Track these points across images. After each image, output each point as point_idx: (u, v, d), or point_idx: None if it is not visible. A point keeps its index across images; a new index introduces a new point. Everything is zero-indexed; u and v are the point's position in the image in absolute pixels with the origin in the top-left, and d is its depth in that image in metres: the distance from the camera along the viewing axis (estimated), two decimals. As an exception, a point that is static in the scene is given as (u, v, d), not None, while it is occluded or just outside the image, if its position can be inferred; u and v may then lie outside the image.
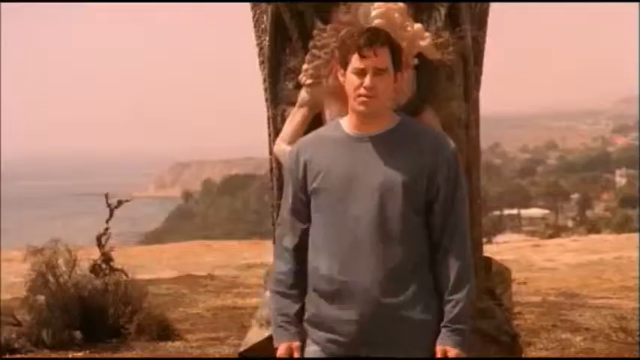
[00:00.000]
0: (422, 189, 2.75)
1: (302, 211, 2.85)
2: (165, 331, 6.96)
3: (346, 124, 2.84)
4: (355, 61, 2.73)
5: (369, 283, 2.72)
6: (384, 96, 2.75)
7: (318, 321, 2.81)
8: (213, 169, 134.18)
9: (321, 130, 3.01)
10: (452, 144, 2.84)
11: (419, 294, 2.75)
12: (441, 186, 2.76)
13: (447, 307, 2.75)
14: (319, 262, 2.79)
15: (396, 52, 2.77)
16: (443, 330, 2.75)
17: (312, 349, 2.85)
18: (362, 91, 2.72)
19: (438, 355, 2.74)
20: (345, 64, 2.77)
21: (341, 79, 2.82)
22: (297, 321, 2.86)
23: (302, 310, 2.87)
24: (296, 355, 2.83)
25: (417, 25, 3.71)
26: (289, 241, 2.88)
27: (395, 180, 2.72)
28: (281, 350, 2.84)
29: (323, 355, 2.82)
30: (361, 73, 2.72)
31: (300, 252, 2.86)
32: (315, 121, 3.87)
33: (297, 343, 2.84)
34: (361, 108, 2.74)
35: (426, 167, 2.75)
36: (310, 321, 2.86)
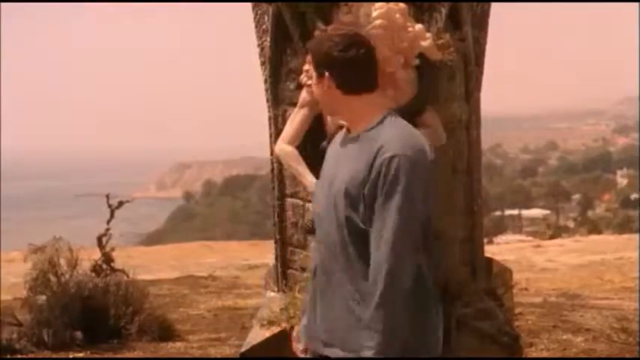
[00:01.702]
0: (359, 194, 2.62)
1: None
2: (167, 332, 6.96)
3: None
4: None
5: (327, 282, 2.72)
6: (322, 101, 2.79)
7: (302, 320, 2.87)
8: (214, 170, 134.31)
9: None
10: (400, 151, 2.57)
11: (390, 296, 2.56)
12: (372, 192, 2.59)
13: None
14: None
15: (315, 58, 2.76)
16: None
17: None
18: None
19: None
20: None
21: None
22: None
23: None
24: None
25: (419, 26, 3.71)
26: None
27: (344, 183, 2.66)
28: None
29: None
30: None
31: None
32: (315, 122, 3.87)
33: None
34: None
35: (361, 172, 2.62)
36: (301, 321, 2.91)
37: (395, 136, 2.64)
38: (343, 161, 2.71)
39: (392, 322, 2.52)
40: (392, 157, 2.55)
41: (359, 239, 2.62)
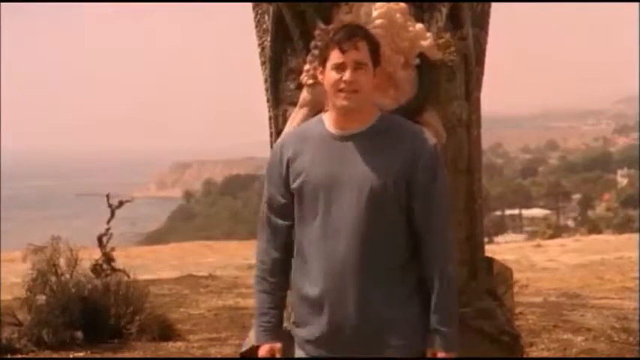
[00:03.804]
0: (403, 186, 2.70)
1: (283, 209, 2.81)
2: (167, 332, 6.96)
3: (328, 121, 2.80)
4: (335, 56, 2.70)
5: (351, 283, 2.68)
6: (365, 91, 2.71)
7: (302, 323, 2.80)
8: (214, 170, 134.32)
9: (303, 127, 2.97)
10: (432, 138, 2.82)
11: (401, 293, 2.72)
12: (421, 180, 2.71)
13: (433, 310, 2.72)
14: (303, 263, 2.77)
15: (374, 47, 2.74)
16: (431, 333, 2.72)
17: (298, 354, 2.84)
18: (342, 85, 2.68)
19: (429, 356, 2.72)
20: (323, 61, 2.75)
21: (319, 77, 2.79)
22: (278, 319, 2.85)
23: (282, 306, 2.87)
24: (277, 356, 2.82)
25: (419, 25, 3.71)
26: (269, 238, 2.84)
27: (378, 178, 2.68)
28: (263, 352, 2.83)
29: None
30: (341, 67, 2.69)
31: (280, 249, 2.83)
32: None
33: (278, 345, 2.83)
34: (344, 103, 2.70)
35: (407, 162, 2.70)
36: (295, 323, 2.84)
37: (416, 127, 2.83)
38: (362, 157, 2.70)
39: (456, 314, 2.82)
40: (436, 144, 2.77)
41: (396, 230, 2.71)
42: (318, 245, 2.72)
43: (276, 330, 2.83)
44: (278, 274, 2.84)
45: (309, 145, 2.78)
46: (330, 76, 2.72)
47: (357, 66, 2.69)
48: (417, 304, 2.75)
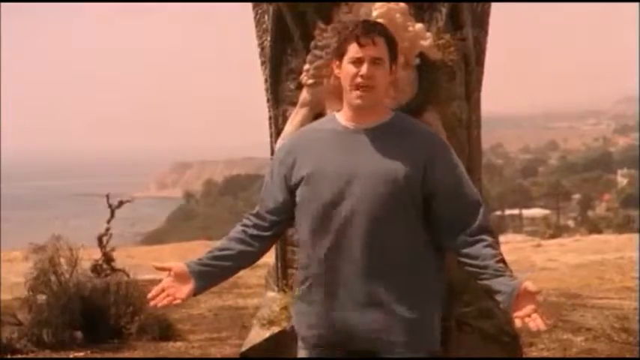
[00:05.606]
0: (418, 181, 2.70)
1: (278, 203, 2.83)
2: (167, 332, 6.96)
3: (341, 117, 2.80)
4: (352, 51, 2.70)
5: (360, 277, 2.67)
6: (381, 87, 2.72)
7: (307, 319, 2.78)
8: (214, 170, 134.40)
9: (313, 125, 2.97)
10: (443, 138, 2.93)
11: (412, 290, 2.70)
12: (444, 177, 2.74)
13: (497, 259, 2.74)
14: (307, 256, 2.76)
15: (391, 44, 2.76)
16: (512, 281, 2.74)
17: (302, 352, 2.83)
18: (359, 80, 2.69)
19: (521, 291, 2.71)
20: (341, 55, 2.74)
21: (336, 71, 2.78)
22: (208, 266, 2.81)
23: (215, 262, 2.83)
24: (171, 274, 2.77)
25: (419, 25, 3.72)
26: (255, 223, 2.88)
27: (392, 171, 2.68)
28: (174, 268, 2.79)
29: (313, 356, 2.79)
30: (358, 62, 2.69)
31: (257, 237, 2.87)
32: (316, 122, 3.87)
33: (180, 270, 2.77)
34: (358, 102, 2.71)
35: (421, 160, 2.71)
36: (299, 320, 2.83)
37: (428, 127, 2.93)
38: (377, 148, 2.71)
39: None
40: (447, 143, 2.87)
41: (408, 222, 2.71)
42: (327, 236, 2.69)
43: (197, 266, 2.79)
44: (241, 245, 2.86)
45: (320, 140, 2.79)
46: (347, 69, 2.72)
47: (374, 61, 2.69)
48: (427, 303, 2.75)
